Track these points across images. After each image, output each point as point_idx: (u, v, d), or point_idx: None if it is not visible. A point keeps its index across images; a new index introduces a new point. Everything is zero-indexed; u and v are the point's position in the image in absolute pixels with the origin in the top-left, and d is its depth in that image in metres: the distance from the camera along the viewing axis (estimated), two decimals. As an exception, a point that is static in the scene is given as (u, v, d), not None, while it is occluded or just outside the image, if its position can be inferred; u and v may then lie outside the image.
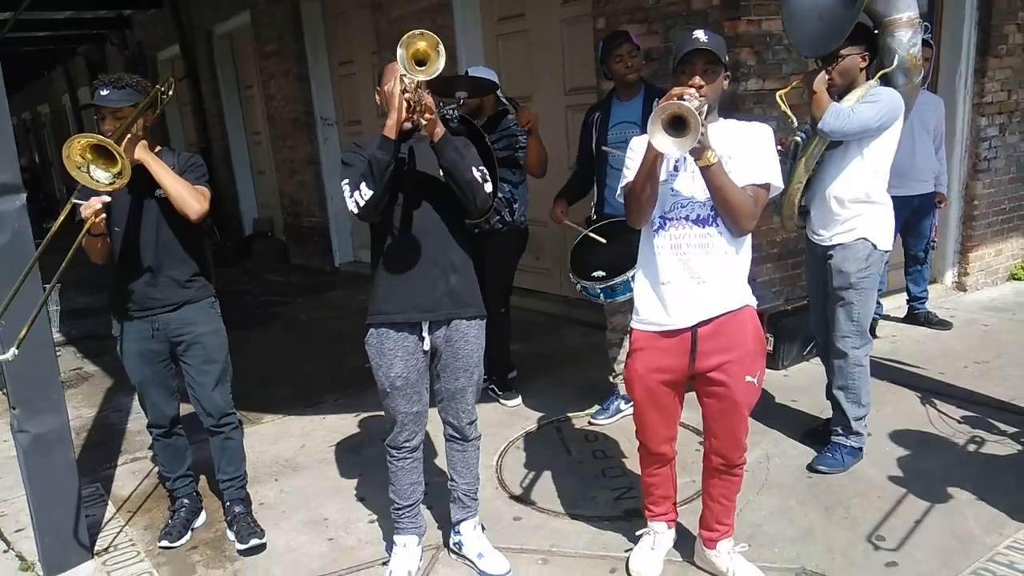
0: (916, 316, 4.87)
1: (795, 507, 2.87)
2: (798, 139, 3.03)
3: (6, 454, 3.70)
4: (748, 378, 2.26)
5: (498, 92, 3.89)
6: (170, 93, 2.81)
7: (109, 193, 2.37)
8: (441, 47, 2.07)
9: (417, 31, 2.07)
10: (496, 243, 3.90)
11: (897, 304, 5.01)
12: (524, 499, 3.09)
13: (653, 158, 2.08)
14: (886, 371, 4.07)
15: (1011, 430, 3.34)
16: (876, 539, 2.63)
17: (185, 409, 2.93)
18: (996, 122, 5.33)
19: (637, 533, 2.66)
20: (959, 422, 3.44)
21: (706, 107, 2.05)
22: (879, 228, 3.03)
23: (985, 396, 3.69)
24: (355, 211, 2.31)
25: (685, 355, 2.26)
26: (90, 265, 2.67)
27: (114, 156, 2.26)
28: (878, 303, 4.73)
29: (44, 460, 2.71)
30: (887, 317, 4.89)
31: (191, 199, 2.58)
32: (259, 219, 10.02)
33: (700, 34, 2.12)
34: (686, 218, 2.20)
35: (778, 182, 2.23)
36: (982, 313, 5.06)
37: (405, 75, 2.12)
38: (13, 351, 2.25)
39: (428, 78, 2.10)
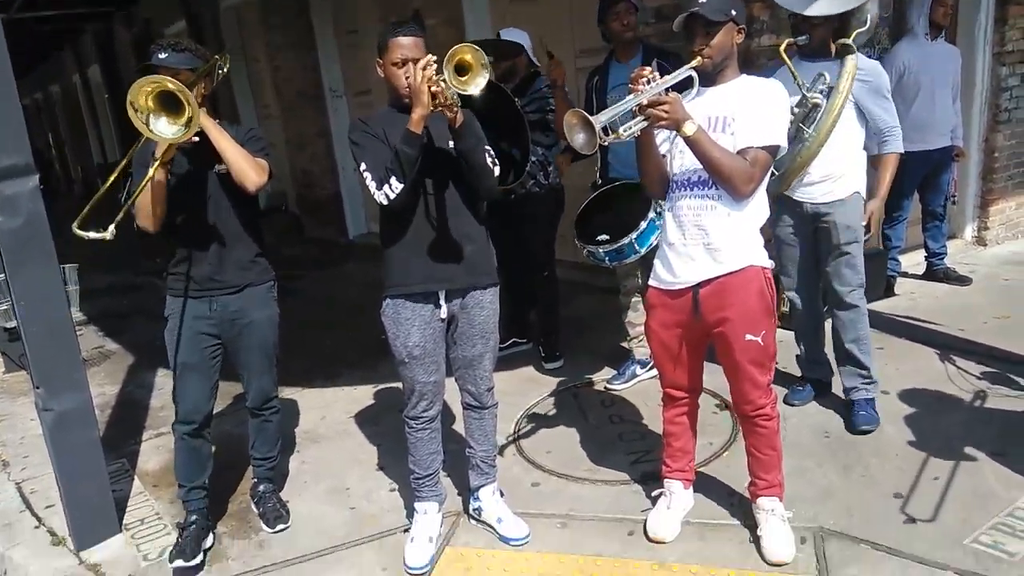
0: (935, 272, 4.81)
1: (813, 467, 2.87)
2: (818, 101, 2.87)
3: (34, 432, 3.77)
4: (749, 336, 2.28)
5: (529, 53, 3.84)
6: (226, 68, 2.72)
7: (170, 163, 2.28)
8: (487, 64, 2.11)
9: (465, 44, 2.12)
10: (534, 206, 3.87)
11: (915, 261, 4.95)
12: (542, 465, 3.11)
13: (641, 137, 2.22)
14: (905, 328, 4.03)
15: (1032, 385, 3.31)
16: (895, 497, 2.63)
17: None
18: (1018, 71, 5.19)
19: (654, 494, 2.69)
20: (978, 378, 3.41)
21: (710, 66, 2.20)
22: (864, 179, 3.07)
23: (1006, 352, 3.65)
24: (384, 203, 2.30)
25: (688, 312, 2.34)
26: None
27: (181, 107, 2.16)
28: (896, 260, 4.69)
29: (69, 437, 2.76)
30: (905, 274, 4.83)
31: (250, 169, 2.51)
32: (272, 193, 10.00)
33: None
34: (687, 182, 2.28)
35: (784, 142, 2.24)
36: (1003, 267, 4.99)
37: (432, 72, 2.15)
38: (112, 228, 2.21)
39: (469, 91, 2.13)
